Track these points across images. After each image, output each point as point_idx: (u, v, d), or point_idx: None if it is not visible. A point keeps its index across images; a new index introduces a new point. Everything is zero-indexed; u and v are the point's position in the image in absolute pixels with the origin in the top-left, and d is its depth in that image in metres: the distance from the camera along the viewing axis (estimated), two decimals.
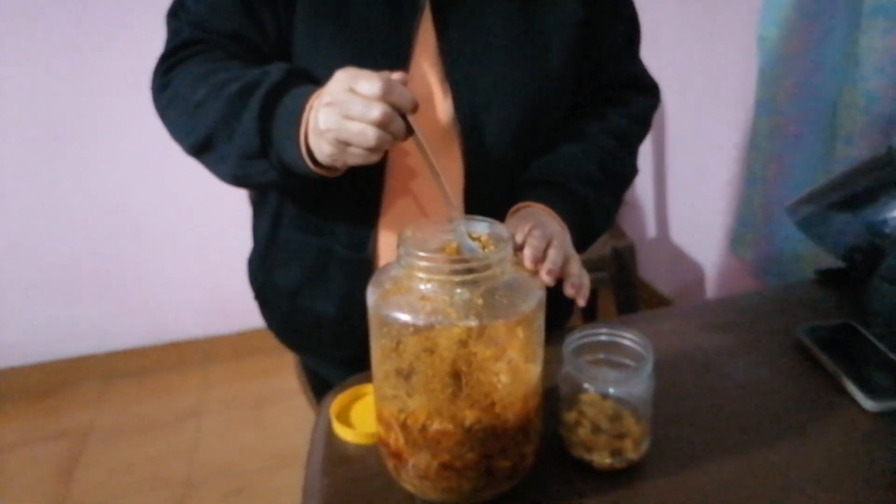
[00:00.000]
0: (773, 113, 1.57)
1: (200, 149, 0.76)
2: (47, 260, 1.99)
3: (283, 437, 1.87)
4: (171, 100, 0.77)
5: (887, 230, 0.87)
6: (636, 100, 0.93)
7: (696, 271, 2.08)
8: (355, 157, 0.64)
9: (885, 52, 1.29)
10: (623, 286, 1.92)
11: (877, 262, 0.87)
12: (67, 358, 2.11)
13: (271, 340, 1.04)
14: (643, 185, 2.26)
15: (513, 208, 0.81)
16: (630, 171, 0.93)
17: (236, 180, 0.77)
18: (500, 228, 0.65)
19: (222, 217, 1.96)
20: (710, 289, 2.03)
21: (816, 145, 1.50)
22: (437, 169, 0.65)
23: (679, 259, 2.15)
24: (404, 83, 0.62)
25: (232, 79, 0.72)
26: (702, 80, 1.94)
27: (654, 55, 1.99)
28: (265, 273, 0.95)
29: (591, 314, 2.15)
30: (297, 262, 0.90)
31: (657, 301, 2.27)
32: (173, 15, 0.82)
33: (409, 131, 0.63)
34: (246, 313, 1.66)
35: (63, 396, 2.08)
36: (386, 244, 0.85)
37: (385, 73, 0.62)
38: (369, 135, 0.60)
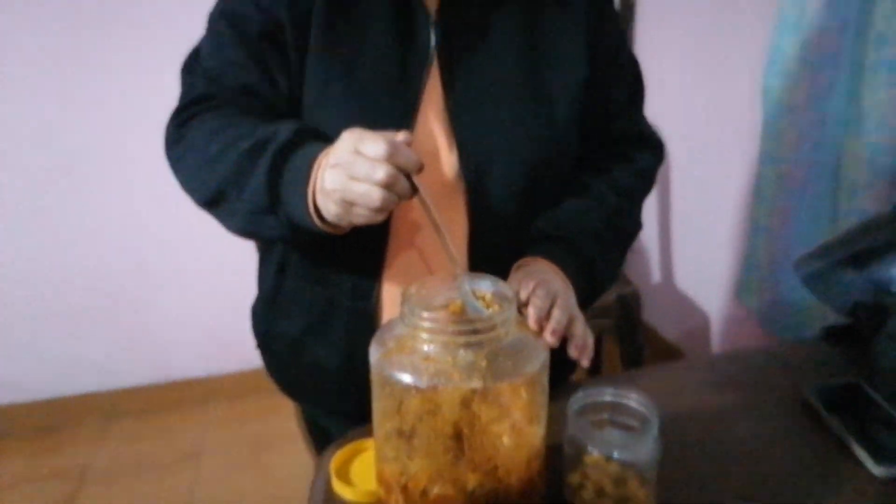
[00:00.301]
0: (777, 163, 1.58)
1: (211, 202, 0.77)
2: (51, 296, 1.99)
3: (282, 482, 1.85)
4: (184, 153, 0.79)
5: (893, 289, 0.86)
6: (641, 156, 0.94)
7: (702, 318, 2.07)
8: (361, 217, 0.65)
9: (889, 105, 1.31)
10: (628, 333, 1.91)
11: (883, 320, 0.86)
12: (69, 395, 2.10)
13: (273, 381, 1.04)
14: (648, 230, 2.27)
15: (517, 263, 0.81)
16: (634, 227, 0.93)
17: (245, 234, 0.78)
18: (504, 287, 0.65)
19: (226, 257, 1.96)
20: (716, 337, 2.02)
21: (822, 197, 1.50)
22: (442, 227, 0.66)
23: (685, 306, 2.14)
24: (409, 144, 0.63)
25: (244, 135, 0.73)
26: (707, 127, 1.95)
27: (659, 101, 2.01)
28: (269, 321, 0.95)
29: (595, 362, 2.13)
30: (300, 311, 0.90)
31: (662, 348, 2.25)
32: (188, 70, 0.84)
33: (414, 190, 0.64)
34: (248, 353, 1.65)
35: (63, 434, 2.06)
36: (390, 296, 0.85)
37: (390, 134, 0.63)
38: (374, 196, 0.61)
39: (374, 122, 0.70)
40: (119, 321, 2.08)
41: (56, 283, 1.99)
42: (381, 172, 0.60)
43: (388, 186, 0.61)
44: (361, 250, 0.83)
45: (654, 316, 2.30)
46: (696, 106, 1.99)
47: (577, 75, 0.85)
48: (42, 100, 1.82)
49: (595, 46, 0.86)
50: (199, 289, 2.12)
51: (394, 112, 0.79)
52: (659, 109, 2.02)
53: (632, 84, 0.94)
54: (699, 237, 2.05)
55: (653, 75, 2.13)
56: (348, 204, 0.63)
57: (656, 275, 2.29)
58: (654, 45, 2.15)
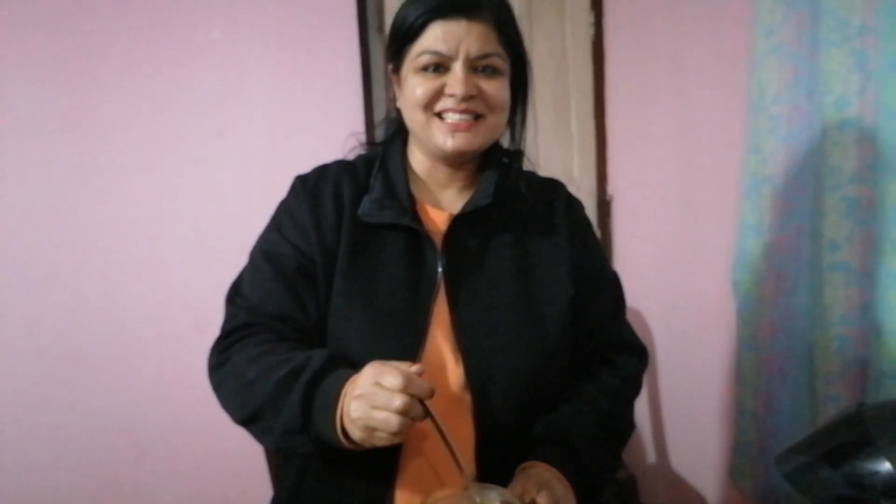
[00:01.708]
0: (755, 350, 1.68)
1: (249, 420, 0.86)
2: (48, 481, 1.98)
3: None
4: (225, 376, 0.89)
5: (868, 484, 0.93)
6: (626, 360, 1.04)
7: (698, 499, 2.07)
8: (381, 440, 0.74)
9: (849, 301, 1.43)
10: None
11: None
12: None
13: None
14: (640, 413, 2.32)
15: (521, 466, 0.88)
16: (627, 428, 1.02)
17: (279, 449, 0.87)
18: (511, 498, 0.72)
19: (225, 446, 1.99)
20: None
21: (801, 383, 1.58)
22: (452, 442, 0.74)
23: (680, 488, 2.14)
24: (421, 374, 0.73)
25: (280, 363, 0.83)
26: (685, 314, 2.08)
27: (638, 290, 2.16)
28: None
29: None
30: None
31: None
32: (231, 301, 0.96)
33: (427, 413, 0.73)
34: None
35: None
36: (402, 501, 0.91)
37: (404, 366, 0.73)
38: (393, 422, 0.70)
39: (390, 341, 0.86)
40: None
41: (54, 470, 1.98)
42: (399, 401, 0.70)
43: (404, 413, 0.70)
44: (376, 458, 0.90)
45: (651, 498, 2.30)
46: (672, 294, 2.12)
47: (563, 293, 0.97)
48: (56, 286, 1.92)
49: (579, 268, 1.00)
50: (197, 477, 2.11)
51: (407, 332, 0.90)
52: (638, 298, 2.17)
53: (612, 299, 1.06)
54: (689, 419, 2.11)
55: (630, 268, 2.29)
56: (370, 429, 0.72)
57: (651, 456, 2.31)
58: (630, 241, 2.34)
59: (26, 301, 1.87)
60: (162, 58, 1.90)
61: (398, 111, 0.98)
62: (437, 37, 0.85)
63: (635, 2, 2.20)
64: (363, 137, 1.10)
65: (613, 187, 2.40)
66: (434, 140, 0.92)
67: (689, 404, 2.11)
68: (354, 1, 2.06)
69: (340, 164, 1.02)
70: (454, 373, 0.92)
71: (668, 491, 2.23)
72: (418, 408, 0.72)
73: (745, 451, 1.74)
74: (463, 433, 0.91)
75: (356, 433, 0.74)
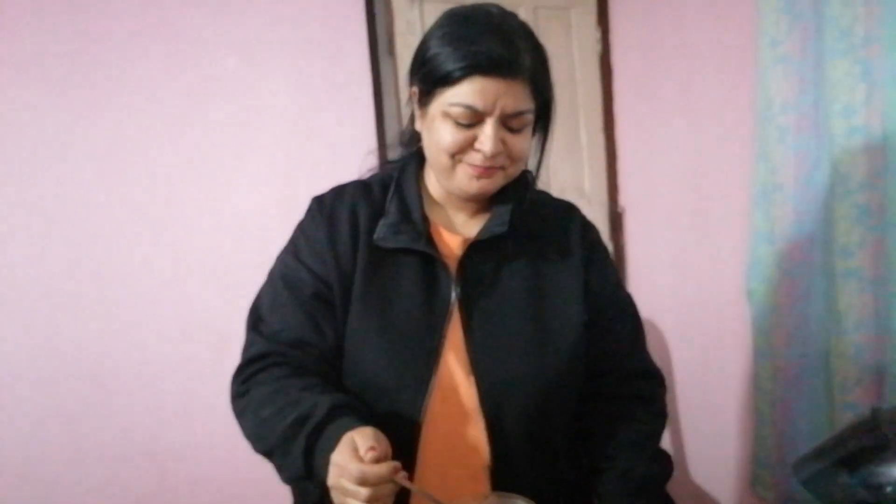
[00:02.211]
0: (771, 357, 1.69)
1: (265, 455, 0.89)
2: (71, 503, 2.01)
3: None
4: (244, 408, 0.92)
5: (886, 488, 0.93)
6: (653, 391, 1.07)
7: None
8: None
9: (864, 308, 1.43)
10: None
11: None
12: None
13: None
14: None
15: None
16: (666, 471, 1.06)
17: (293, 488, 0.89)
18: None
19: (246, 467, 2.00)
20: None
21: (817, 390, 1.58)
22: (435, 498, 0.78)
23: (701, 499, 2.14)
24: (378, 451, 0.75)
25: (291, 404, 0.85)
26: (699, 322, 2.08)
27: (655, 298, 2.17)
28: None
29: None
30: None
31: None
32: (251, 327, 0.98)
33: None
34: None
35: None
36: None
37: (357, 466, 0.74)
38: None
39: (404, 363, 0.90)
40: None
41: (78, 490, 2.01)
42: (363, 494, 0.73)
43: (374, 501, 0.73)
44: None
45: None
46: (686, 305, 2.13)
47: (577, 319, 0.99)
48: (65, 316, 1.96)
49: (595, 294, 1.02)
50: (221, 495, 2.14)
51: (421, 354, 0.92)
52: (652, 309, 2.18)
53: (633, 323, 1.08)
54: (708, 430, 2.10)
55: (643, 279, 2.30)
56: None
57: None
58: (643, 253, 2.35)
59: (49, 322, 1.90)
60: (180, 84, 1.94)
61: (416, 133, 0.99)
62: (475, 92, 0.85)
63: (641, 17, 2.23)
64: (379, 155, 1.13)
65: (625, 200, 2.42)
66: (457, 183, 0.94)
67: (707, 414, 2.10)
68: (365, 26, 2.10)
69: (357, 186, 1.04)
70: (467, 394, 0.93)
71: (688, 502, 2.22)
72: (387, 488, 0.75)
73: (765, 461, 1.73)
74: (478, 451, 0.93)
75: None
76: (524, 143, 0.93)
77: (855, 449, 0.97)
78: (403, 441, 0.90)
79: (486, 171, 0.91)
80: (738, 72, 1.81)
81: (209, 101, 1.99)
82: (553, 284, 1.00)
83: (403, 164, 1.05)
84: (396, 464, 0.75)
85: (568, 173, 2.36)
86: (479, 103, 0.86)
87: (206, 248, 2.00)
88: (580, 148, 2.39)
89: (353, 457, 0.75)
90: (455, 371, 0.94)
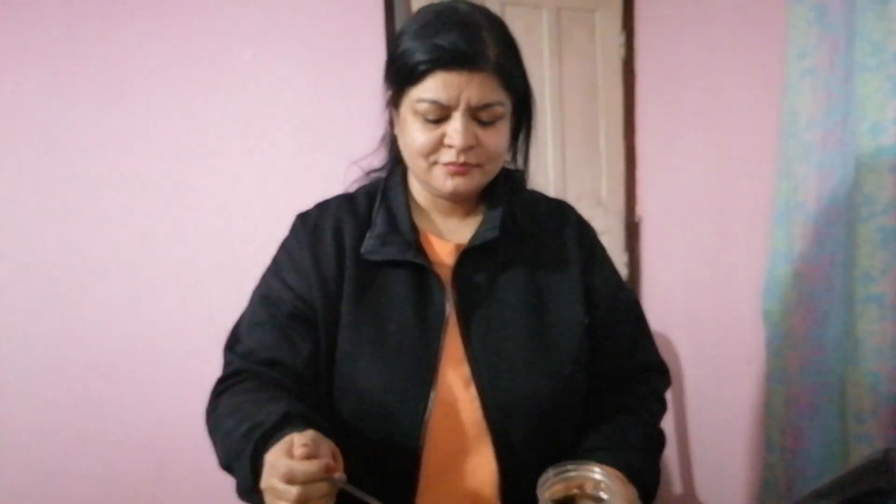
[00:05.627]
0: (784, 383, 1.62)
1: (227, 470, 0.85)
2: (70, 493, 2.00)
3: None
4: (214, 424, 0.89)
5: None
6: (658, 381, 1.04)
7: None
8: None
9: (883, 336, 1.37)
10: None
11: None
12: None
13: None
14: (667, 442, 2.26)
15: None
16: (663, 439, 1.02)
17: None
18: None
19: None
20: None
21: (831, 419, 1.52)
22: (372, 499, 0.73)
23: None
24: (309, 449, 0.71)
25: (247, 416, 0.82)
26: (713, 339, 2.02)
27: (668, 311, 2.12)
28: None
29: None
30: None
31: None
32: (229, 348, 0.96)
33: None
34: None
35: None
36: None
37: (285, 462, 0.70)
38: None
39: (401, 380, 0.86)
40: None
41: (74, 483, 2.00)
42: (293, 493, 0.69)
43: (304, 500, 0.69)
44: (397, 487, 0.88)
45: None
46: (700, 320, 2.07)
47: (577, 322, 0.95)
48: (72, 315, 1.96)
49: (594, 295, 0.98)
50: (215, 495, 2.12)
51: (417, 370, 0.88)
52: (666, 323, 2.13)
53: (635, 321, 1.04)
54: (717, 450, 2.05)
55: (659, 291, 2.24)
56: None
57: (678, 487, 2.25)
58: (659, 264, 2.29)
59: (52, 314, 1.89)
60: (193, 77, 1.93)
61: (395, 137, 0.97)
62: (437, 87, 0.84)
63: (666, 22, 2.17)
64: (364, 165, 1.09)
65: (642, 209, 2.36)
66: (434, 183, 0.91)
67: (717, 435, 2.04)
68: (382, 22, 2.07)
69: (341, 200, 1.01)
70: (467, 409, 0.89)
71: None
72: (319, 489, 0.70)
73: (774, 488, 1.68)
74: (485, 467, 0.89)
75: None
76: (498, 137, 0.89)
77: (863, 491, 0.92)
78: (404, 462, 0.87)
79: (461, 167, 0.88)
80: (764, 83, 1.74)
81: (222, 93, 1.97)
82: (551, 287, 0.96)
83: (389, 171, 1.02)
84: (330, 461, 0.71)
85: (585, 180, 2.31)
86: (443, 97, 0.84)
87: (213, 241, 1.98)
88: (599, 154, 2.33)
89: (284, 454, 0.71)
90: (453, 386, 0.90)
